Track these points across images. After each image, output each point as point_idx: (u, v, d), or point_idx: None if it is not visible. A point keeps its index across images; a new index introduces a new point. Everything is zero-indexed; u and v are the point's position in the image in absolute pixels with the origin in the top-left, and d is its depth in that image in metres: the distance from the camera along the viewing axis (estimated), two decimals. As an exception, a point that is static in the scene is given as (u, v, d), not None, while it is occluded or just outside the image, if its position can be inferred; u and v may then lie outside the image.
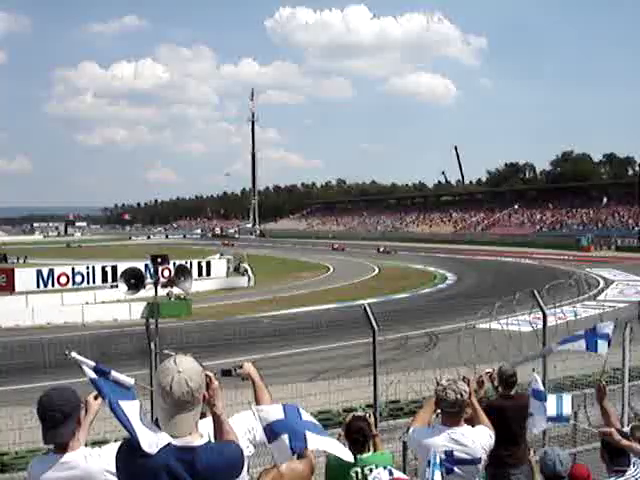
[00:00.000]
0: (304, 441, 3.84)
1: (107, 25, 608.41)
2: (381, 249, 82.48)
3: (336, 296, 39.95)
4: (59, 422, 3.26)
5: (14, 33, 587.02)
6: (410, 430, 4.88)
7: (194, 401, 2.79)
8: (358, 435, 4.96)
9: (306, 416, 4.10)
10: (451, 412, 4.57)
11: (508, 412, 6.06)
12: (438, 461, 3.97)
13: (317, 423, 4.12)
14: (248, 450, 3.83)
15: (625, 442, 4.70)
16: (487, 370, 6.46)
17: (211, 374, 3.29)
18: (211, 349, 23.08)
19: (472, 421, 4.86)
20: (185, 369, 2.77)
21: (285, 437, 3.87)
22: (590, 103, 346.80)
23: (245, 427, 3.84)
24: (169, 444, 2.72)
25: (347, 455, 3.90)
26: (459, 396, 4.51)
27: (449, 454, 4.48)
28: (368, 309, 8.22)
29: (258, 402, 4.07)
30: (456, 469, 4.50)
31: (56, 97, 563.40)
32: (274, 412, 4.01)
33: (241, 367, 4.11)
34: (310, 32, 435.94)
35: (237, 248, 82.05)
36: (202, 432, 2.88)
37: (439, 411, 4.79)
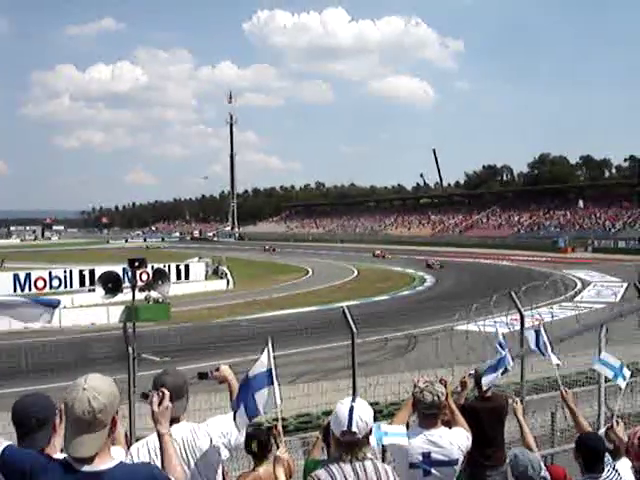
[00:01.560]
0: (255, 407, 3.91)
1: (84, 28, 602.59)
2: (376, 252, 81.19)
3: (315, 299, 39.96)
4: (34, 429, 3.23)
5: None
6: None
7: (96, 423, 2.56)
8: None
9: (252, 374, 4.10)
10: (428, 414, 4.59)
11: (482, 414, 6.07)
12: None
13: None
14: (223, 454, 3.85)
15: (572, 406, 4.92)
16: (470, 371, 6.48)
17: (167, 393, 3.28)
18: (190, 353, 23.01)
19: (449, 423, 4.89)
20: (91, 387, 2.58)
21: (241, 410, 3.93)
22: (567, 106, 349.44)
23: (220, 431, 3.85)
24: (74, 469, 2.57)
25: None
26: (436, 398, 4.53)
27: (426, 456, 4.50)
28: (347, 312, 8.22)
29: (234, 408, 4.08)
30: (433, 471, 4.51)
31: (33, 100, 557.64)
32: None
33: (218, 370, 4.11)
34: (289, 35, 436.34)
35: (217, 251, 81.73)
36: (113, 455, 2.70)
37: (416, 413, 4.80)
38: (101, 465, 2.60)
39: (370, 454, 3.56)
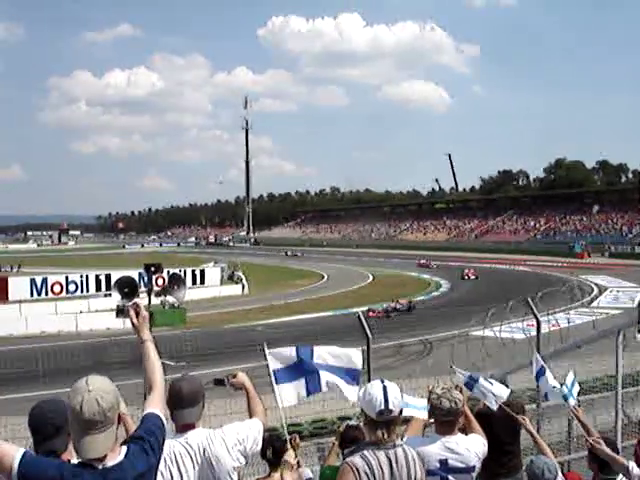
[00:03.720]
0: (319, 384, 4.02)
1: (101, 34, 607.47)
2: (421, 261, 73.87)
3: (330, 304, 39.95)
4: (52, 435, 3.25)
5: (8, 42, 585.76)
6: (404, 439, 4.86)
7: (106, 421, 2.63)
8: (351, 444, 4.95)
9: (322, 358, 4.25)
10: (446, 421, 4.56)
11: (496, 420, 6.01)
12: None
13: (332, 364, 4.28)
14: (239, 461, 3.85)
15: (610, 453, 4.73)
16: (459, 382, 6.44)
17: (141, 303, 3.38)
18: (205, 358, 23.06)
19: (464, 430, 4.86)
20: (96, 388, 2.63)
21: (302, 382, 4.03)
22: (583, 110, 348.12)
23: (236, 438, 3.86)
24: (95, 468, 2.63)
25: (352, 395, 4.08)
26: (454, 405, 4.51)
27: (444, 463, 4.47)
28: (362, 317, 8.23)
29: (251, 413, 4.10)
30: (450, 478, 4.49)
31: (50, 106, 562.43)
32: (287, 357, 4.17)
33: (235, 376, 4.13)
34: (303, 40, 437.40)
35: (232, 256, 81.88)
36: (119, 449, 2.75)
37: (432, 420, 4.79)
38: (112, 460, 2.67)
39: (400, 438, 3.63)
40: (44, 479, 2.59)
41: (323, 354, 4.48)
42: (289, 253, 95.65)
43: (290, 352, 4.40)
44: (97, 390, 2.63)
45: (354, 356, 4.54)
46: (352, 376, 4.50)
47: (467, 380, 5.64)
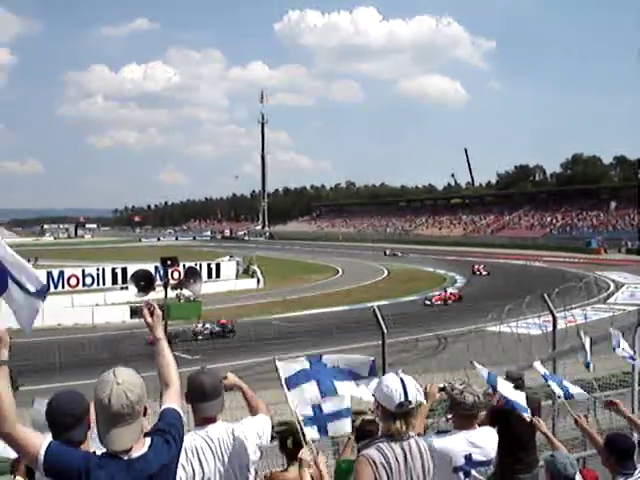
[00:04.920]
0: (334, 388, 4.07)
1: (118, 28, 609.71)
2: (476, 267, 60.99)
3: (345, 298, 39.97)
4: (71, 426, 3.27)
5: (26, 36, 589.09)
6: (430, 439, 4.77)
7: (134, 413, 2.67)
8: (367, 438, 4.95)
9: (332, 363, 4.31)
10: (468, 415, 4.57)
11: (515, 416, 5.99)
12: None
13: (342, 368, 4.33)
14: (256, 455, 3.87)
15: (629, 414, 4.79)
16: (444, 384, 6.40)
17: (155, 304, 3.39)
18: (220, 351, 23.17)
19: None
20: (124, 381, 2.67)
21: (313, 384, 4.06)
22: (600, 105, 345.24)
23: (255, 432, 3.88)
24: (121, 459, 2.66)
25: (367, 395, 4.11)
26: (477, 399, 4.54)
27: (468, 457, 4.48)
28: (377, 311, 8.22)
29: (254, 410, 4.12)
30: (473, 472, 4.49)
31: (68, 100, 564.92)
32: (297, 365, 4.21)
33: (225, 378, 4.16)
34: (319, 35, 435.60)
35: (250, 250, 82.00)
36: (143, 440, 2.77)
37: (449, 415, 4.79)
38: (137, 452, 2.70)
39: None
40: (69, 469, 2.61)
41: (332, 359, 4.52)
42: (388, 252, 76.23)
43: (300, 360, 4.43)
44: (125, 383, 2.67)
45: (363, 362, 4.56)
46: (368, 371, 4.52)
47: (487, 378, 5.64)
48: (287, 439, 4.53)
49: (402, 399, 3.49)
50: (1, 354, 2.89)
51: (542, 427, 5.57)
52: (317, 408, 4.29)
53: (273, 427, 4.19)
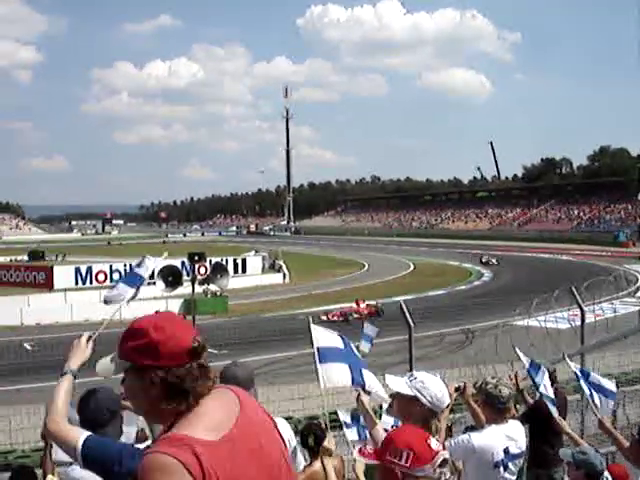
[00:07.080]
0: (362, 378, 4.06)
1: (142, 25, 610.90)
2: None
3: (371, 293, 39.91)
4: (107, 421, 3.30)
5: (51, 35, 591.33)
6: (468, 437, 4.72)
7: None
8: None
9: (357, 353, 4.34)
10: (503, 408, 4.58)
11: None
12: None
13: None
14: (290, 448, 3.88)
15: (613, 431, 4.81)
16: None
17: (87, 335, 3.39)
18: (247, 346, 23.24)
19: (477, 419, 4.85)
20: None
21: (346, 367, 4.07)
22: (628, 96, 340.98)
23: (288, 428, 3.88)
24: None
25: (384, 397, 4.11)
26: (511, 391, 4.57)
27: (506, 451, 4.48)
28: (404, 306, 8.22)
29: None
30: (510, 465, 4.49)
31: (93, 97, 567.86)
32: (333, 339, 4.20)
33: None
34: (342, 29, 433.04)
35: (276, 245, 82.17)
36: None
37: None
38: None
39: None
40: (104, 458, 2.66)
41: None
42: (483, 260, 64.64)
43: (335, 335, 4.43)
44: None
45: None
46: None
47: (529, 367, 5.66)
48: (308, 437, 4.56)
49: (448, 400, 3.52)
50: (71, 363, 3.03)
51: (565, 427, 5.57)
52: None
53: (300, 421, 4.22)
